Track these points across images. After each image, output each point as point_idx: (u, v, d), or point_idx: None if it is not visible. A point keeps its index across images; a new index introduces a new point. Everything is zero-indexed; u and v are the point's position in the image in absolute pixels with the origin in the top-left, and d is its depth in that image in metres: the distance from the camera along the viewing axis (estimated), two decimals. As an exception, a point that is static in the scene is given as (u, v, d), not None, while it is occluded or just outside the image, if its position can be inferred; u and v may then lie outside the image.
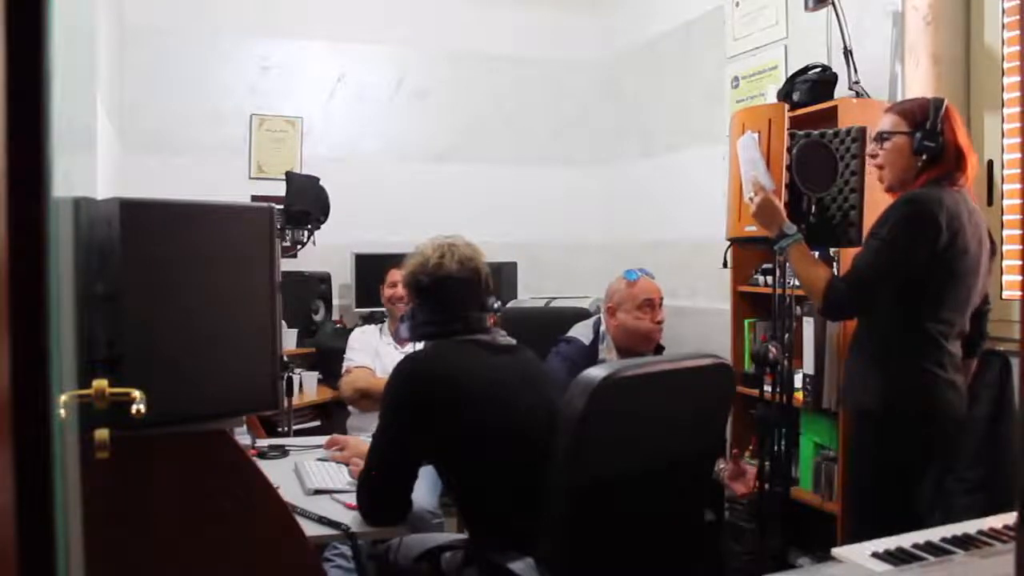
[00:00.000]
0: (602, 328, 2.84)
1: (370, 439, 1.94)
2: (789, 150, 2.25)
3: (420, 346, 2.07)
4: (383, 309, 3.47)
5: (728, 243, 2.55)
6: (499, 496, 1.84)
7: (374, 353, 3.17)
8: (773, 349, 2.35)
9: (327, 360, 3.66)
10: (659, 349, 2.95)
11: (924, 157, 2.03)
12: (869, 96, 2.65)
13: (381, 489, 1.85)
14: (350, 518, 1.85)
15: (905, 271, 1.97)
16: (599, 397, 1.58)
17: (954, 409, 2.01)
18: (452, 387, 1.83)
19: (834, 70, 2.79)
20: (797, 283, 2.55)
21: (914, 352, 2.00)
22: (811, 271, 2.11)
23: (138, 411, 1.12)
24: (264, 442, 2.57)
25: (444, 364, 1.89)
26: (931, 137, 2.02)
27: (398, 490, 1.85)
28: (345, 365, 3.20)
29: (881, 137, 2.11)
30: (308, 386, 3.59)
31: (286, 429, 3.22)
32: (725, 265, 2.63)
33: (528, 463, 1.76)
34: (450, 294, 1.94)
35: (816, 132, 2.28)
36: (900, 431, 1.98)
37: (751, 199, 2.20)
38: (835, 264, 2.68)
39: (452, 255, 1.95)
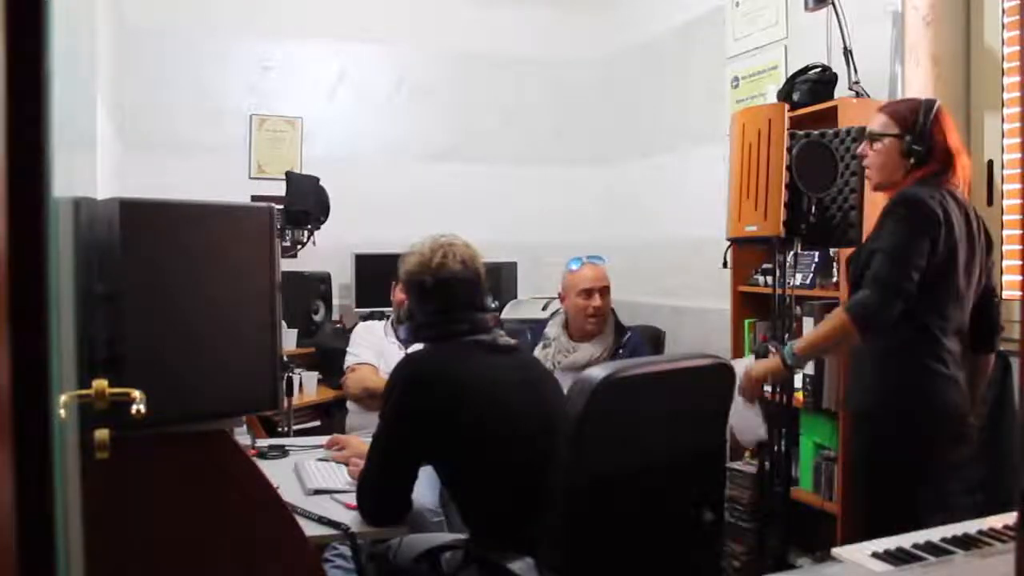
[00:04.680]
0: (558, 308, 3.18)
1: (370, 439, 1.94)
2: (789, 150, 2.25)
3: (421, 346, 2.07)
4: (383, 309, 3.46)
5: (728, 243, 2.55)
6: (499, 496, 1.84)
7: (378, 351, 3.15)
8: (773, 349, 2.35)
9: (327, 360, 3.66)
10: (621, 331, 3.07)
11: (913, 160, 2.04)
12: (869, 96, 2.65)
13: (381, 489, 1.85)
14: (350, 518, 1.85)
15: (921, 264, 1.95)
16: (599, 397, 1.58)
17: (957, 406, 2.00)
18: (452, 388, 1.83)
19: (834, 70, 2.79)
20: (797, 283, 2.56)
21: (914, 350, 2.00)
22: (826, 329, 2.09)
23: (138, 411, 1.12)
24: (264, 442, 2.57)
25: (444, 365, 1.88)
26: (920, 140, 2.03)
27: (398, 490, 1.85)
28: (349, 362, 3.18)
29: (871, 137, 2.12)
30: (308, 386, 3.59)
31: (286, 429, 3.22)
32: (725, 265, 2.63)
33: (528, 463, 1.76)
34: (453, 294, 1.93)
35: (816, 132, 2.28)
36: (904, 430, 1.98)
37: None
38: (835, 264, 2.68)
39: (454, 255, 1.94)
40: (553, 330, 3.11)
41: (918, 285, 1.96)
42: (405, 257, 2.01)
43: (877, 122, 2.12)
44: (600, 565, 1.68)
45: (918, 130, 2.03)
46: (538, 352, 3.04)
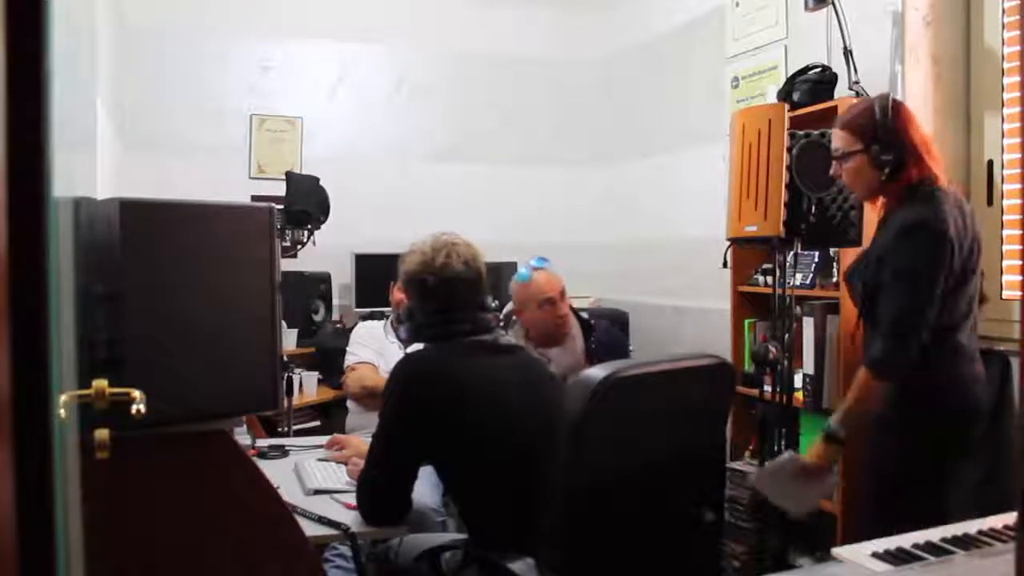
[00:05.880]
0: (513, 318, 2.89)
1: (370, 438, 1.94)
2: (789, 150, 2.25)
3: (421, 345, 2.07)
4: (383, 309, 3.45)
5: (728, 243, 2.55)
6: (498, 496, 1.85)
7: (379, 350, 3.15)
8: (773, 349, 2.35)
9: (327, 360, 3.66)
10: (588, 328, 2.90)
11: (886, 170, 1.96)
12: (869, 96, 2.65)
13: (380, 489, 1.85)
14: (350, 518, 1.85)
15: (937, 294, 1.90)
16: (599, 397, 1.58)
17: (982, 404, 1.98)
18: (452, 388, 1.83)
19: (834, 70, 2.79)
20: (797, 283, 2.54)
21: (934, 355, 1.94)
22: (855, 392, 1.97)
23: (138, 411, 1.12)
24: (264, 442, 2.57)
25: (445, 364, 1.88)
26: (887, 149, 1.94)
27: (397, 490, 1.85)
28: (349, 360, 3.18)
29: (837, 157, 2.04)
30: (308, 386, 3.59)
31: (286, 429, 3.22)
32: (725, 265, 2.63)
33: (528, 463, 1.77)
34: (455, 295, 1.93)
35: (816, 132, 2.28)
36: (932, 433, 1.94)
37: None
38: (835, 264, 2.68)
39: (456, 255, 1.93)
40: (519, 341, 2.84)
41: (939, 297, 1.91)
42: (405, 256, 2.00)
43: (838, 139, 2.03)
44: (600, 565, 1.68)
45: (882, 137, 1.94)
46: None
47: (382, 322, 3.30)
